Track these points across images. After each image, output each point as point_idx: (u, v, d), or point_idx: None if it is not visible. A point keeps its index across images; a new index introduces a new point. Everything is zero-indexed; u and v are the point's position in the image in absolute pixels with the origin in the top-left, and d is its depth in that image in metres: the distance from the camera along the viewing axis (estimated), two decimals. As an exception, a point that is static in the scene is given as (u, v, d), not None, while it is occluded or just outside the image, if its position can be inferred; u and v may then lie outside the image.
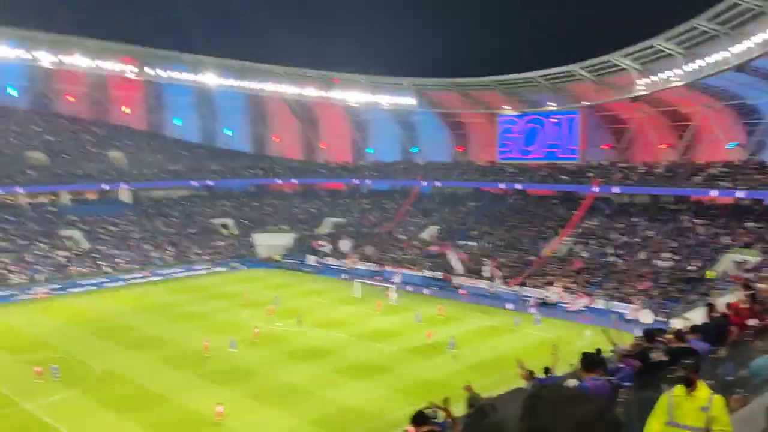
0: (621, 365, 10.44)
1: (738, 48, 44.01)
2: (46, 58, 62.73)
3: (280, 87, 73.32)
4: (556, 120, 63.93)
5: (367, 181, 75.90)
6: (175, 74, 69.92)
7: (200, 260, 61.29)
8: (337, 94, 74.35)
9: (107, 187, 65.41)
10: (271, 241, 66.69)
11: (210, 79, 71.06)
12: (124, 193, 67.83)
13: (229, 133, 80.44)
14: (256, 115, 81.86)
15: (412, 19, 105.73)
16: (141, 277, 55.56)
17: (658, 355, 9.92)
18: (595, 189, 57.19)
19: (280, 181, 76.26)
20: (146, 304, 46.71)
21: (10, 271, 50.76)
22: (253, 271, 60.96)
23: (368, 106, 75.60)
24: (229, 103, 77.85)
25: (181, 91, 74.11)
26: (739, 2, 41.24)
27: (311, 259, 63.12)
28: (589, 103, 61.25)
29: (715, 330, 11.88)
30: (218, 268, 60.93)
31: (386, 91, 73.02)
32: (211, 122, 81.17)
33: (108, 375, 30.78)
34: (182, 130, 78.72)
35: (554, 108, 63.91)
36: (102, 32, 65.44)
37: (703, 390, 5.94)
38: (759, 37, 42.09)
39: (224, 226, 69.42)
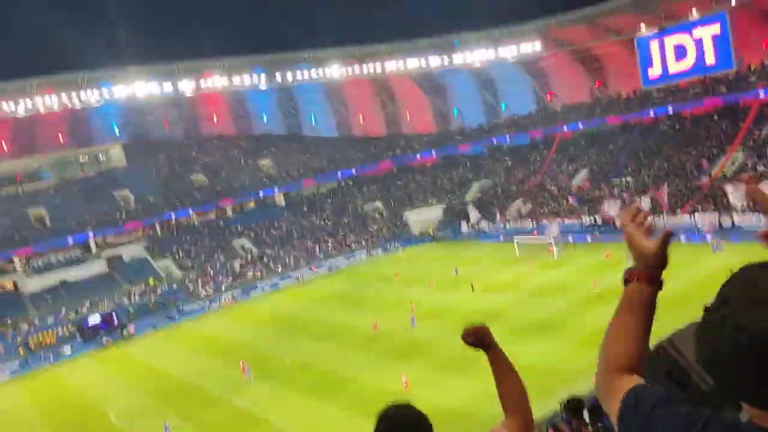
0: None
1: None
2: (187, 87, 67.87)
3: (403, 64, 73.58)
4: (702, 28, 58.13)
5: (507, 138, 73.88)
6: (302, 74, 72.52)
7: (359, 247, 63.50)
8: (461, 57, 73.22)
9: (262, 194, 69.89)
10: (422, 217, 67.50)
11: (334, 71, 72.95)
12: (278, 197, 71.95)
13: (361, 120, 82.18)
14: (384, 96, 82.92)
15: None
16: (309, 272, 58.71)
17: None
18: (762, 93, 51.41)
19: (419, 157, 76.63)
20: (320, 297, 49.43)
21: (199, 285, 55.94)
22: (411, 249, 62.15)
23: (494, 62, 73.73)
24: (355, 92, 79.61)
25: (310, 89, 77.02)
26: None
27: (465, 227, 63.06)
28: (737, 1, 55.01)
29: None
30: (377, 251, 62.81)
31: (510, 42, 70.74)
32: (343, 113, 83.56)
33: (299, 366, 33.06)
34: (318, 127, 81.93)
35: (698, 16, 58.17)
36: (229, 48, 69.91)
37: None
38: None
39: (376, 210, 71.26)
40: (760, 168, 47.25)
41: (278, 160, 75.36)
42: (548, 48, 70.78)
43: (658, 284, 1.74)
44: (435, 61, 73.79)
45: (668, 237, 1.70)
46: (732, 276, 1.38)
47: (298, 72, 72.02)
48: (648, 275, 1.72)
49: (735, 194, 43.37)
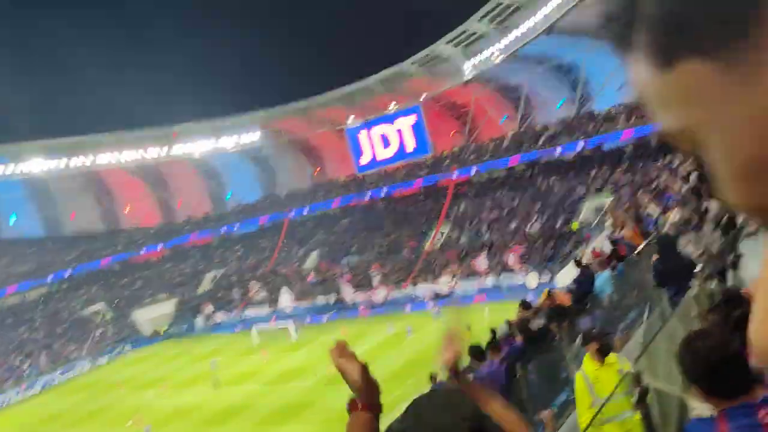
0: (508, 344, 10.33)
1: (544, 11, 47.68)
2: None
3: (118, 155, 69.65)
4: (401, 119, 65.73)
5: (236, 225, 73.60)
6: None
7: (80, 356, 56.51)
8: (181, 148, 71.88)
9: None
10: (151, 314, 62.94)
11: (37, 165, 66.05)
12: (-27, 311, 61.28)
13: (75, 215, 75.01)
14: (101, 190, 76.97)
15: (238, 50, 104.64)
16: (18, 394, 50.18)
17: (537, 324, 10.11)
18: (455, 175, 59.32)
19: (143, 251, 72.20)
20: (30, 423, 42.26)
21: None
22: (142, 350, 57.19)
23: (216, 151, 73.81)
24: (67, 186, 72.60)
25: (8, 187, 68.12)
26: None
27: (200, 321, 60.33)
28: (427, 96, 63.55)
29: (586, 281, 12.49)
30: (103, 359, 56.53)
31: (230, 132, 71.70)
32: (52, 210, 75.24)
33: None
34: (20, 227, 72.32)
35: (397, 108, 65.68)
36: None
37: (611, 355, 5.88)
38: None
39: (98, 313, 64.58)
40: (462, 239, 54.01)
41: (-30, 267, 64.59)
42: (267, 138, 73.31)
43: (376, 409, 2.00)
44: (153, 152, 71.35)
45: (365, 369, 2.03)
46: (406, 408, 1.66)
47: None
48: (365, 404, 1.99)
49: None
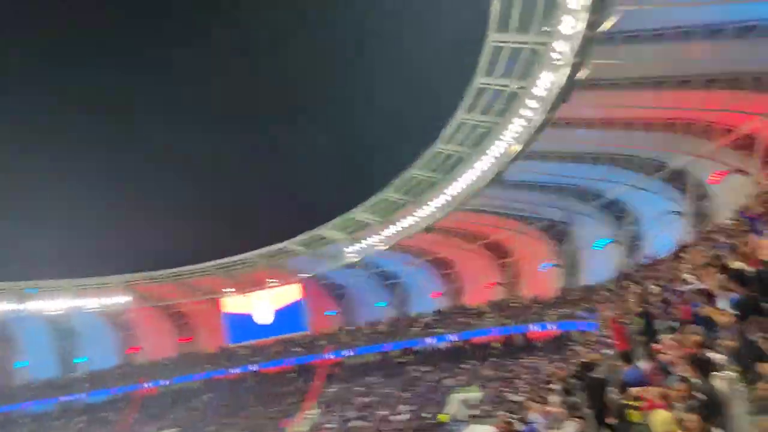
0: None
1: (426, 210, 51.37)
2: None
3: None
4: (280, 295, 65.61)
5: (83, 395, 66.62)
6: None
7: None
8: (35, 305, 66.25)
9: None
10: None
11: None
12: None
13: None
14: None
15: (114, 217, 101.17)
16: None
17: None
18: (328, 356, 58.75)
19: (-32, 419, 62.91)
20: None
21: None
22: None
23: (74, 311, 68.58)
24: None
25: None
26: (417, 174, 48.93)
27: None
28: (307, 275, 64.37)
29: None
30: None
31: (95, 293, 67.53)
32: None
33: None
34: None
35: (276, 284, 65.68)
36: None
37: None
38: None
39: None
40: (329, 425, 52.05)
41: None
42: (135, 301, 69.66)
43: None
44: (4, 307, 65.03)
45: None
46: None
47: None
48: None
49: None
